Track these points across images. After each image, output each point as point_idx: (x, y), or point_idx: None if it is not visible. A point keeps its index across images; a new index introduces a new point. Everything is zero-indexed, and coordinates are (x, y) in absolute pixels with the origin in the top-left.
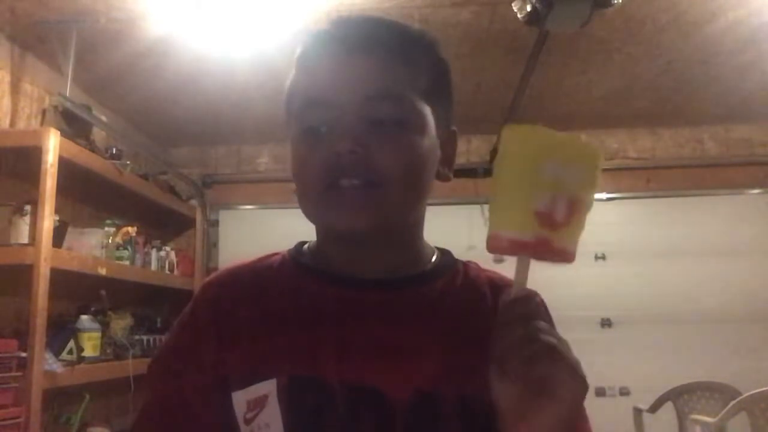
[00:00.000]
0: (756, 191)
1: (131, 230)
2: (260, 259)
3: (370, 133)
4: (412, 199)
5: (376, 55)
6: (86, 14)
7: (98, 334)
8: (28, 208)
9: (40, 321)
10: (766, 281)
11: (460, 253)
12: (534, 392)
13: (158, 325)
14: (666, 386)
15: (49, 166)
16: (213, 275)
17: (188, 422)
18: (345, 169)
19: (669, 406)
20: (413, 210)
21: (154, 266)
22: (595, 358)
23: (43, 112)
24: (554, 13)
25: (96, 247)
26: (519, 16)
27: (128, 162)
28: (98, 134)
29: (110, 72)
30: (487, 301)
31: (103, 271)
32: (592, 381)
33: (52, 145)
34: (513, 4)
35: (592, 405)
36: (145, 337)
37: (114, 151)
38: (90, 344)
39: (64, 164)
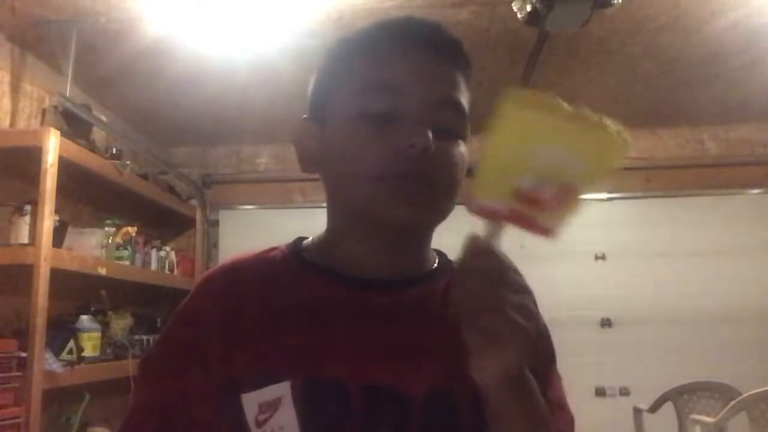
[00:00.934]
0: (756, 191)
1: (131, 230)
2: (260, 254)
3: (437, 136)
4: (450, 207)
5: (447, 58)
6: (86, 14)
7: (98, 334)
8: (28, 208)
9: (40, 321)
10: (766, 281)
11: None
12: (482, 342)
13: (158, 325)
14: (666, 386)
15: (49, 166)
16: (213, 269)
17: (188, 422)
18: (415, 164)
19: (669, 406)
20: (449, 210)
21: (154, 266)
22: (595, 358)
23: (43, 112)
24: (554, 13)
25: (96, 247)
26: (519, 16)
27: (128, 162)
28: (98, 134)
29: (110, 72)
30: None
31: (103, 271)
32: (592, 381)
33: (52, 145)
34: (513, 4)
35: (592, 405)
36: (145, 337)
37: (114, 151)
38: (90, 344)
39: (64, 164)
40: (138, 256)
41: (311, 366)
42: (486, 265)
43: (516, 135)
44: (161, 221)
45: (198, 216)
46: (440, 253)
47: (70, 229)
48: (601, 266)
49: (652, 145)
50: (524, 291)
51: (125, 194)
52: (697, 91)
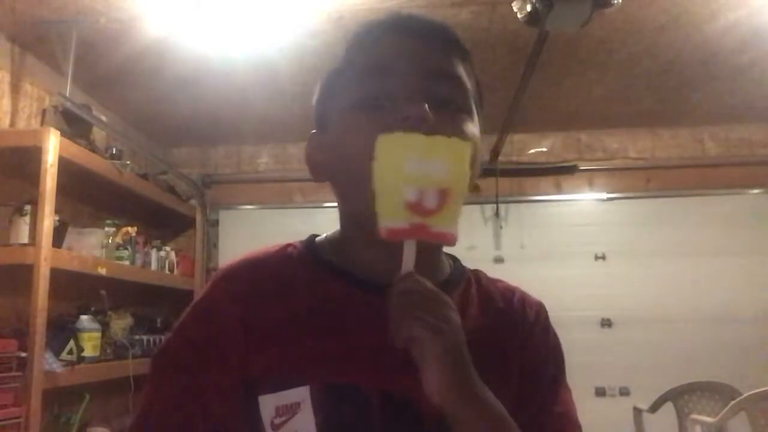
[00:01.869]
0: (756, 191)
1: (131, 230)
2: (276, 252)
3: (437, 109)
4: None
5: (437, 40)
6: (86, 14)
7: (98, 334)
8: (28, 208)
9: (40, 321)
10: (766, 281)
11: (460, 253)
12: (414, 353)
13: (158, 325)
14: (666, 386)
15: (49, 166)
16: (230, 266)
17: (205, 421)
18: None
19: (669, 406)
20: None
21: (154, 266)
22: (595, 358)
23: (43, 112)
24: (554, 13)
25: (96, 247)
26: (519, 16)
27: (128, 162)
28: (98, 134)
29: (110, 72)
30: (499, 308)
31: (103, 271)
32: (592, 381)
33: (52, 145)
34: (513, 4)
35: (592, 405)
36: (145, 337)
37: (114, 151)
38: (90, 344)
39: (64, 164)
40: (138, 256)
41: (331, 371)
42: (405, 287)
43: (391, 160)
44: (161, 221)
45: (198, 216)
46: (454, 258)
47: (70, 229)
48: (601, 266)
49: (652, 145)
50: (438, 300)
51: (125, 194)
52: (697, 91)
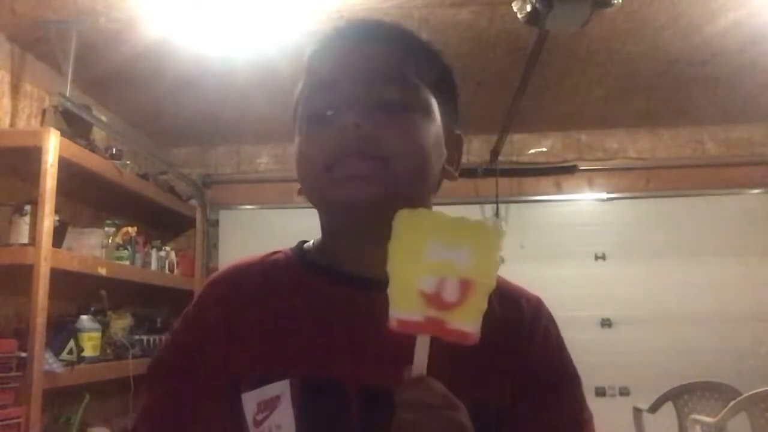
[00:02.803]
0: (756, 191)
1: (131, 230)
2: (264, 257)
3: (376, 113)
4: (417, 178)
5: (382, 43)
6: (86, 14)
7: (98, 334)
8: (28, 208)
9: (40, 321)
10: (766, 281)
11: None
12: None
13: (158, 325)
14: (666, 386)
15: (49, 166)
16: (218, 273)
17: (195, 422)
18: (349, 144)
19: (669, 406)
20: (418, 190)
21: (154, 266)
22: (595, 358)
23: (43, 112)
24: (554, 13)
25: (96, 247)
26: (519, 16)
27: (128, 162)
28: (98, 134)
29: (110, 72)
30: (495, 307)
31: (103, 271)
32: (592, 381)
33: (52, 145)
34: (513, 4)
35: (592, 405)
36: (145, 337)
37: (114, 151)
38: (90, 344)
39: (64, 164)
40: (138, 256)
41: (311, 366)
42: (413, 397)
43: (409, 241)
44: (161, 221)
45: (198, 216)
46: None
47: (70, 229)
48: (601, 266)
49: (652, 145)
50: (450, 416)
51: (125, 194)
52: (697, 91)
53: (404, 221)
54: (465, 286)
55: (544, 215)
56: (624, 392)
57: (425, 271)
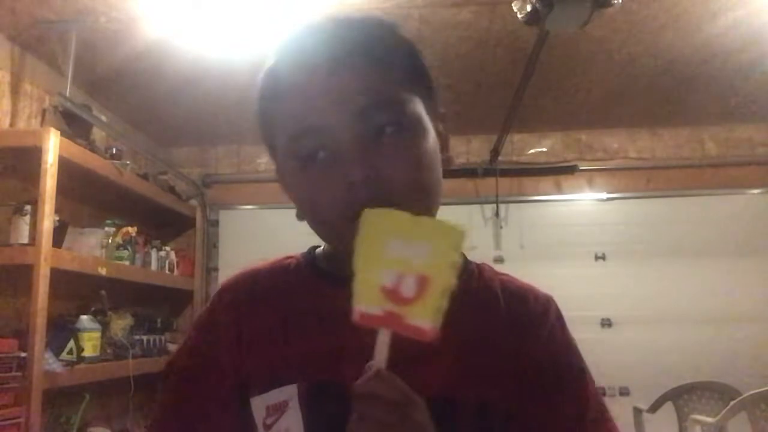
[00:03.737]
0: (756, 191)
1: (131, 230)
2: (275, 263)
3: (374, 146)
4: (433, 200)
5: (355, 65)
6: (86, 14)
7: (98, 334)
8: (28, 208)
9: (40, 321)
10: (765, 281)
11: None
12: None
13: (158, 325)
14: (666, 386)
15: (49, 166)
16: (229, 278)
17: (205, 425)
18: (364, 199)
19: (669, 406)
20: (432, 203)
21: (154, 266)
22: (595, 358)
23: (43, 112)
24: (554, 13)
25: (96, 247)
26: (519, 16)
27: (128, 162)
28: (98, 134)
29: (110, 72)
30: (500, 305)
31: (103, 271)
32: None
33: (52, 145)
34: (513, 4)
35: None
36: (145, 337)
37: (114, 151)
38: (90, 344)
39: (64, 164)
40: (138, 256)
41: (319, 370)
42: (369, 389)
43: (372, 239)
44: (161, 221)
45: (198, 216)
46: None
47: (70, 229)
48: (601, 266)
49: (652, 145)
50: (404, 412)
51: (125, 194)
52: (697, 91)
53: (368, 220)
54: (422, 282)
55: (544, 215)
56: (624, 392)
57: (385, 265)
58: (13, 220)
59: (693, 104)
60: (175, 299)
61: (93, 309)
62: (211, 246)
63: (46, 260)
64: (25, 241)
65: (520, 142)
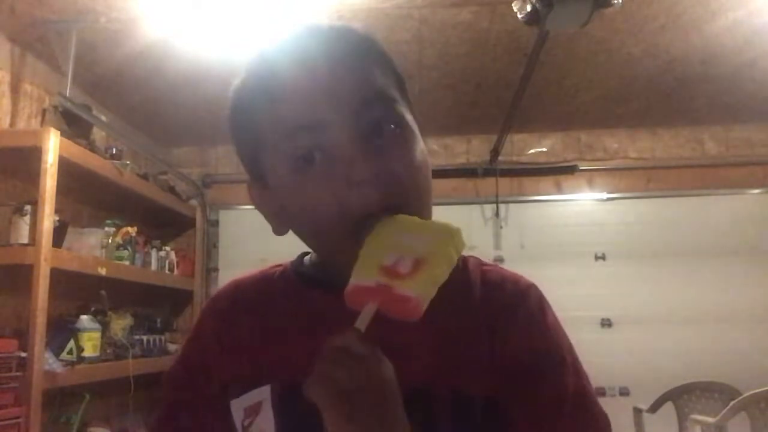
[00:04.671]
0: (756, 191)
1: (131, 230)
2: (264, 271)
3: (371, 142)
4: (430, 197)
5: (350, 63)
6: (86, 14)
7: (98, 334)
8: (28, 208)
9: (40, 321)
10: (765, 281)
11: None
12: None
13: (158, 325)
14: (666, 386)
15: (49, 166)
16: (219, 289)
17: (197, 430)
18: (375, 198)
19: (669, 406)
20: (428, 206)
21: (154, 266)
22: (595, 359)
23: (43, 112)
24: (554, 13)
25: (96, 247)
26: (519, 16)
27: (128, 162)
28: (98, 134)
29: (110, 72)
30: (476, 294)
31: (103, 271)
32: (592, 381)
33: (52, 145)
34: (513, 4)
35: None
36: (145, 337)
37: (114, 151)
38: (90, 344)
39: (64, 164)
40: (138, 256)
41: (292, 372)
42: (337, 342)
43: (384, 234)
44: (161, 221)
45: (198, 216)
46: None
47: (70, 229)
48: (601, 266)
49: (652, 145)
50: (377, 361)
51: (125, 194)
52: (697, 91)
53: (383, 223)
54: (418, 262)
55: (544, 215)
56: (624, 392)
57: (388, 249)
58: (13, 220)
59: (693, 104)
60: (175, 299)
61: (93, 309)
62: (211, 246)
63: (46, 260)
64: (25, 241)
65: (520, 142)
